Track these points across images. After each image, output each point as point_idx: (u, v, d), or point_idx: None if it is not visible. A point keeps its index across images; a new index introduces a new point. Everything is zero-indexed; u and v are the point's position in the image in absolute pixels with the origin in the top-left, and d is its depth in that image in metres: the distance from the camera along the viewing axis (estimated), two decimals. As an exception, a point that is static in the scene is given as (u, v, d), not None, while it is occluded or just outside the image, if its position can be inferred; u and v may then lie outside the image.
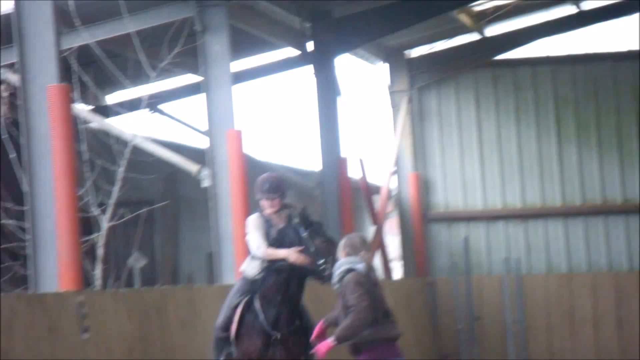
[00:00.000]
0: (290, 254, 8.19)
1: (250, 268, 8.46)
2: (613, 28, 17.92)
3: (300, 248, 8.20)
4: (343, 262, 7.47)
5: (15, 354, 7.20)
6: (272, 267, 8.31)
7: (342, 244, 7.56)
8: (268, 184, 8.39)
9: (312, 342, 7.78)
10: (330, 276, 7.93)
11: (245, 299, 8.39)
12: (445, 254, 17.86)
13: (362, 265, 7.42)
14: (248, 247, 8.50)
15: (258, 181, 8.52)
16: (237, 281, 8.67)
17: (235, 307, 8.41)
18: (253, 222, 8.39)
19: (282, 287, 8.31)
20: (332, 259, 8.05)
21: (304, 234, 8.23)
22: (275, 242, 8.32)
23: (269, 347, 8.30)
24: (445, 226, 18.00)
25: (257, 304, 8.33)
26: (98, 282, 9.69)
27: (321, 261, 8.15)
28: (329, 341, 7.33)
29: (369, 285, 7.33)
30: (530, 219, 17.82)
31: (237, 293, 8.51)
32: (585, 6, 17.36)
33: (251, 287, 8.43)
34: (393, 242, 20.05)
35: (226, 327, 8.43)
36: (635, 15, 17.33)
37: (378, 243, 16.26)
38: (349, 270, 7.39)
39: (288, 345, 8.33)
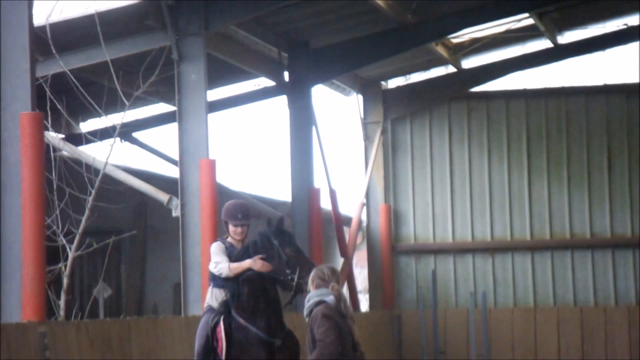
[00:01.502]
0: (254, 262, 8.22)
1: (214, 298, 8.45)
2: (587, 62, 18.11)
3: (262, 256, 8.22)
4: (313, 295, 7.45)
5: (-26, 385, 7.21)
6: (240, 279, 8.28)
7: (311, 276, 7.56)
8: (241, 212, 8.45)
9: None
10: (298, 287, 8.08)
11: (221, 317, 8.33)
12: (413, 286, 17.94)
13: (332, 298, 7.39)
14: (209, 275, 8.47)
15: (229, 207, 8.54)
16: (204, 315, 8.61)
17: (214, 327, 8.33)
18: (215, 249, 8.42)
19: (261, 293, 8.29)
20: (301, 270, 8.13)
21: (275, 242, 8.27)
22: (239, 258, 8.34)
23: (274, 355, 8.26)
24: (413, 258, 18.09)
25: (240, 320, 8.26)
26: (62, 312, 9.67)
27: (289, 271, 8.20)
28: None
29: (337, 317, 7.32)
30: (498, 252, 17.94)
31: (208, 318, 8.43)
32: (562, 40, 17.55)
33: (222, 308, 8.40)
34: (361, 274, 20.09)
35: (207, 351, 8.30)
36: (610, 50, 17.54)
37: (346, 275, 16.32)
38: (319, 303, 7.38)
39: (288, 349, 8.32)
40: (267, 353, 8.26)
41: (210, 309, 8.49)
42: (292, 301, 8.45)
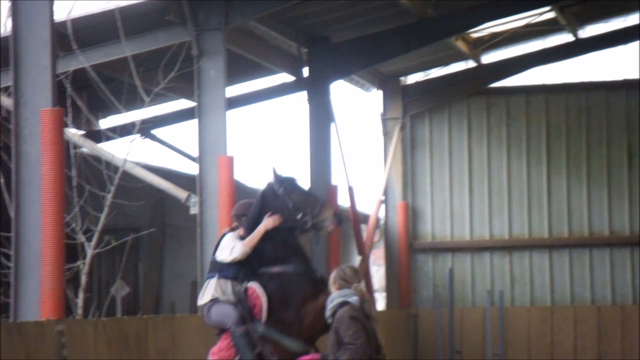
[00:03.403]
0: (265, 223, 8.06)
1: (220, 290, 8.12)
2: (608, 57, 18.00)
3: (269, 213, 8.06)
4: (335, 296, 7.38)
5: (-8, 383, 7.21)
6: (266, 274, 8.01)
7: (332, 276, 7.50)
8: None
9: None
10: (315, 227, 7.94)
11: (246, 282, 8.02)
12: (430, 285, 17.87)
13: (356, 298, 7.34)
14: (213, 267, 8.18)
15: (242, 205, 8.45)
16: (213, 304, 8.15)
17: (244, 293, 7.98)
18: (231, 237, 8.23)
19: (283, 245, 8.07)
20: (312, 210, 8.02)
21: (280, 191, 8.15)
22: (252, 219, 8.17)
23: (319, 286, 8.01)
24: (430, 256, 18.02)
25: (271, 270, 7.97)
26: (80, 310, 9.66)
27: (300, 215, 8.06)
28: None
29: (363, 319, 7.26)
30: (516, 250, 17.85)
31: (224, 293, 8.10)
32: (583, 34, 17.41)
33: (241, 273, 8.10)
34: (378, 273, 20.05)
35: (241, 321, 7.97)
36: (632, 44, 17.38)
37: (363, 273, 16.26)
38: (343, 304, 7.30)
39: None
40: (311, 287, 8.05)
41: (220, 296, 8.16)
42: (318, 242, 8.24)
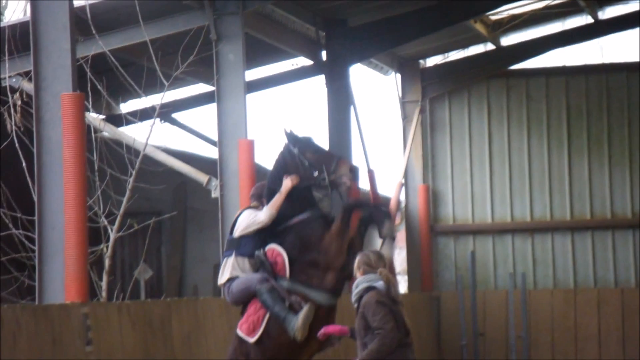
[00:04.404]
0: (285, 185, 8.00)
1: (239, 268, 8.04)
2: (628, 38, 17.86)
3: (286, 175, 8.01)
4: (361, 281, 7.31)
5: (18, 364, 7.24)
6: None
7: (357, 262, 7.47)
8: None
9: (321, 334, 7.62)
10: (333, 184, 7.91)
11: (265, 245, 7.95)
12: (452, 267, 17.86)
13: (382, 283, 7.28)
14: (230, 244, 8.08)
15: (258, 187, 8.46)
16: (234, 280, 8.04)
17: (264, 256, 7.90)
18: (249, 212, 8.17)
19: (300, 203, 7.99)
20: (327, 167, 7.98)
21: (295, 150, 8.11)
22: (273, 180, 8.14)
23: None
24: (452, 239, 17.99)
25: (291, 222, 7.91)
26: (104, 293, 9.71)
27: (315, 173, 8.01)
28: None
29: (390, 303, 7.23)
30: (538, 232, 17.79)
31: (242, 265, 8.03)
32: (602, 15, 17.29)
33: (258, 237, 8.01)
34: (399, 256, 20.04)
35: (264, 280, 7.87)
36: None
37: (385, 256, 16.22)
38: (368, 289, 7.26)
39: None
40: (325, 227, 7.98)
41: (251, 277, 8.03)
42: (341, 198, 8.16)
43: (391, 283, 7.33)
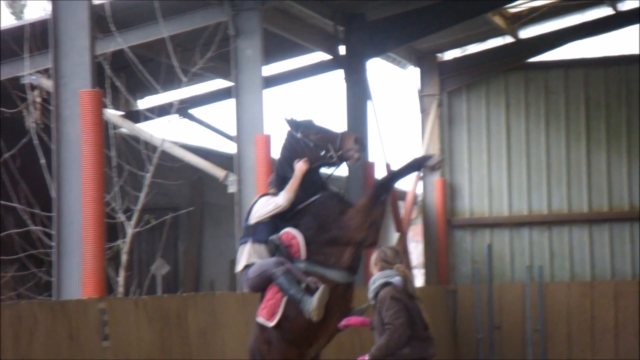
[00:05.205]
0: (299, 168, 8.03)
1: (256, 254, 8.03)
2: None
3: (296, 160, 8.06)
4: (377, 277, 7.37)
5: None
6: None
7: (374, 258, 7.52)
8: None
9: (342, 325, 7.71)
10: (341, 158, 7.96)
11: (279, 231, 7.98)
12: (468, 261, 17.87)
13: (398, 279, 7.35)
14: (247, 232, 8.08)
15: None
16: (251, 267, 8.02)
17: (279, 239, 7.94)
18: (268, 197, 8.18)
19: (311, 186, 8.05)
20: (333, 145, 8.01)
21: (298, 135, 8.15)
22: (281, 171, 8.18)
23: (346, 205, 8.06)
24: (469, 232, 18.01)
25: (304, 204, 7.97)
26: (121, 288, 9.81)
27: (322, 152, 8.05)
28: (365, 359, 7.26)
29: (405, 299, 7.29)
30: (555, 225, 17.78)
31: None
32: (622, 7, 17.22)
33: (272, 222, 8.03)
34: (416, 249, 20.09)
35: (279, 263, 7.87)
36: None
37: (402, 250, 16.28)
38: (385, 285, 7.33)
39: None
40: (344, 203, 8.04)
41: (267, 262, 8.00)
42: (354, 165, 8.20)
43: (408, 279, 7.39)
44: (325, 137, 8.07)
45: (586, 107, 17.80)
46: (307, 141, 8.07)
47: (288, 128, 8.22)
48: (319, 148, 8.04)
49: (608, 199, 17.68)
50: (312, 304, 7.68)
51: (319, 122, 8.28)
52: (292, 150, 8.13)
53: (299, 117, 8.24)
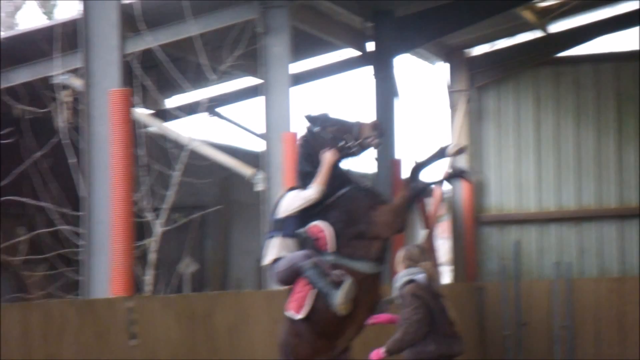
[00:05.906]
0: (327, 159, 7.98)
1: (287, 249, 7.98)
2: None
3: (322, 151, 8.02)
4: (402, 275, 7.44)
5: (64, 359, 7.40)
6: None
7: (400, 256, 7.56)
8: None
9: (370, 323, 7.76)
10: (362, 146, 7.94)
11: (307, 223, 7.94)
12: (496, 257, 17.83)
13: (423, 276, 7.39)
14: (275, 226, 8.07)
15: None
16: (280, 261, 7.99)
17: (306, 232, 7.95)
18: (296, 192, 8.14)
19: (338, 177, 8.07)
20: (350, 136, 8.00)
21: (316, 129, 8.13)
22: (301, 164, 8.18)
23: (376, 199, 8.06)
24: (497, 229, 17.96)
25: (331, 199, 7.94)
26: (148, 287, 9.88)
27: (341, 143, 8.02)
28: (381, 351, 7.34)
29: (428, 297, 7.33)
30: (584, 221, 17.70)
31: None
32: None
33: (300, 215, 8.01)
34: (444, 246, 20.03)
35: (307, 257, 7.83)
36: None
37: (429, 247, 16.28)
38: (409, 282, 7.38)
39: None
40: (373, 197, 8.03)
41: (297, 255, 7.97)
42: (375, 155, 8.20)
43: (433, 277, 7.43)
44: (342, 128, 8.06)
45: (616, 102, 17.69)
46: (326, 134, 8.06)
47: (307, 124, 8.21)
48: (338, 140, 8.04)
49: (638, 194, 17.58)
50: (339, 298, 7.69)
51: (334, 114, 8.26)
52: (310, 146, 8.13)
53: (314, 112, 8.24)
